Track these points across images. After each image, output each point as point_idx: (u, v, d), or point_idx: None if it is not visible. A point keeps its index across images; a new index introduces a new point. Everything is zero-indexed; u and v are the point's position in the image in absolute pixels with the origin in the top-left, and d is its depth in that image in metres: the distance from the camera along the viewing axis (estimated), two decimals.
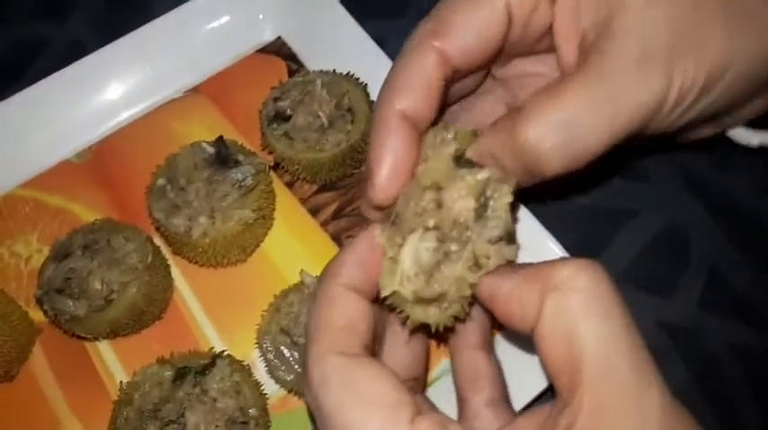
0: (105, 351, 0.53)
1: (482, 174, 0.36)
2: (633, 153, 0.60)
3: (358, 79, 0.55)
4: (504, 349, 0.48)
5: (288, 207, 0.57)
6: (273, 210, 0.55)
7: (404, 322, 0.37)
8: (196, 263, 0.54)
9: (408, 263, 0.35)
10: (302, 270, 0.51)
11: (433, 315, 0.36)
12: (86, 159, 0.59)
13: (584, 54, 0.37)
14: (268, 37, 0.63)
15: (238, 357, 0.50)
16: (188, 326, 0.53)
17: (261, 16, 0.62)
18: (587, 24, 0.37)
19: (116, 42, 0.60)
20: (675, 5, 0.36)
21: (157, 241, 0.54)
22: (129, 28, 0.60)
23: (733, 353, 0.54)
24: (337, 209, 0.57)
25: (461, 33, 0.38)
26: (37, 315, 0.53)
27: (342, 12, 0.59)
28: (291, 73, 0.61)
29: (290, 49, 0.62)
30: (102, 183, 0.58)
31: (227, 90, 0.61)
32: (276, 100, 0.55)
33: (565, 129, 0.34)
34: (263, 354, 0.49)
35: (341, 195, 0.57)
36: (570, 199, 0.59)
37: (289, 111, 0.54)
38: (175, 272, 0.55)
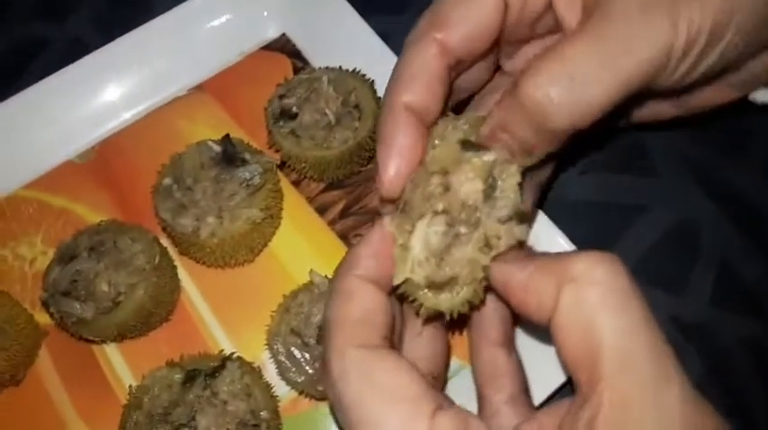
0: (112, 354, 0.52)
1: (488, 156, 0.37)
2: (638, 144, 0.60)
3: (364, 76, 0.55)
4: (524, 342, 0.47)
5: (295, 206, 0.56)
6: (281, 209, 0.55)
7: (417, 311, 0.37)
8: (203, 263, 0.53)
9: (418, 248, 0.36)
10: (311, 269, 0.50)
11: (445, 301, 0.36)
12: (89, 159, 0.58)
13: (587, 14, 0.37)
14: (272, 34, 0.62)
15: (248, 359, 0.49)
16: (196, 328, 0.53)
17: (265, 13, 0.62)
18: None
19: (118, 41, 0.59)
20: None
21: (164, 242, 0.53)
22: (131, 26, 0.60)
23: (745, 348, 0.54)
24: (344, 207, 0.56)
25: (460, 22, 0.38)
26: (42, 318, 0.52)
27: (347, 8, 0.58)
28: (296, 70, 0.60)
29: (294, 46, 0.62)
30: (106, 183, 0.57)
31: (232, 88, 0.60)
32: (282, 97, 0.54)
33: (569, 81, 0.34)
34: (274, 356, 0.48)
35: (348, 193, 0.57)
36: (579, 195, 0.59)
37: (295, 109, 0.53)
38: (182, 272, 0.54)
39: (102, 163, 0.58)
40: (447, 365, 0.44)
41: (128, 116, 0.60)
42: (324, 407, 0.50)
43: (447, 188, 0.36)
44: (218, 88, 0.61)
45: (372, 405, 0.31)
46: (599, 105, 0.34)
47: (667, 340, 0.30)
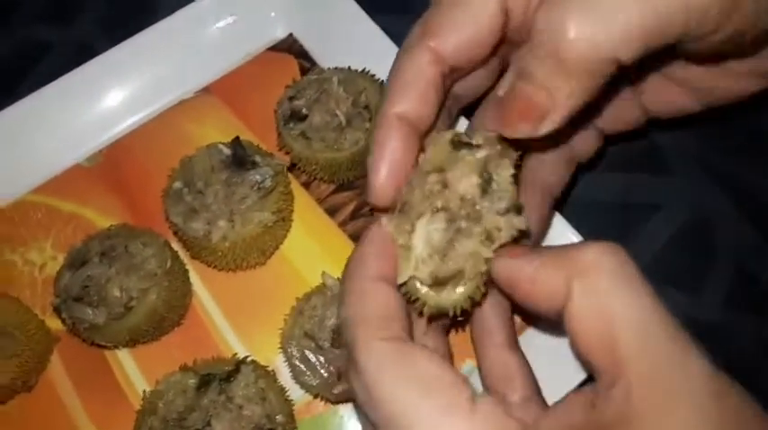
0: (125, 359, 0.52)
1: (481, 153, 0.37)
2: (651, 143, 0.59)
3: (374, 76, 0.55)
4: (532, 347, 0.47)
5: (305, 208, 0.56)
6: (292, 211, 0.54)
7: (420, 311, 0.37)
8: (215, 267, 0.53)
9: (421, 246, 0.36)
10: (324, 272, 0.50)
11: (448, 298, 0.36)
12: (97, 163, 0.58)
13: None
14: (279, 34, 0.62)
15: (261, 363, 0.49)
16: (208, 332, 0.52)
17: (272, 14, 0.61)
18: None
19: (124, 43, 0.59)
20: None
21: (174, 246, 0.53)
22: (137, 29, 0.59)
23: (761, 348, 0.54)
24: (355, 208, 0.56)
25: (454, 30, 0.37)
26: (54, 323, 0.52)
27: (354, 7, 0.58)
28: (304, 71, 0.60)
29: (301, 46, 0.61)
30: (115, 187, 0.57)
31: (239, 90, 0.60)
32: (291, 99, 0.54)
33: (591, 9, 0.31)
34: (288, 360, 0.48)
35: (358, 194, 0.56)
36: (592, 195, 0.59)
37: (305, 110, 0.53)
38: (194, 276, 0.54)
39: (111, 166, 0.58)
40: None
41: (135, 119, 0.59)
42: (338, 410, 0.50)
43: (445, 185, 0.36)
44: (225, 90, 0.60)
45: (410, 395, 0.31)
46: (625, 37, 0.31)
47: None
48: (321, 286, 0.50)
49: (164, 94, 0.60)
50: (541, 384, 0.42)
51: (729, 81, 0.44)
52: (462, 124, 0.50)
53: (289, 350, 0.48)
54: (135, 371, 0.51)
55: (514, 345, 0.43)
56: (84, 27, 0.67)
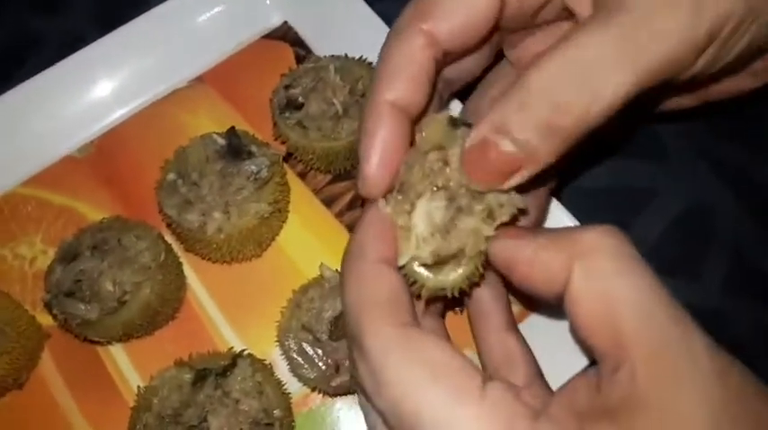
0: (118, 354, 0.51)
1: None
2: (652, 123, 0.59)
3: (371, 63, 0.53)
4: (532, 334, 0.46)
5: (301, 199, 0.55)
6: (288, 202, 0.53)
7: (418, 294, 0.36)
8: (210, 259, 0.52)
9: (422, 225, 0.35)
10: (322, 263, 0.49)
11: (447, 280, 0.35)
12: (89, 154, 0.57)
13: (599, 4, 0.34)
14: (274, 22, 0.60)
15: (258, 356, 0.48)
16: (203, 326, 0.51)
17: (267, 1, 0.60)
18: None
19: (116, 32, 0.57)
20: None
21: (168, 238, 0.52)
22: (128, 17, 0.58)
23: (760, 335, 0.53)
24: (352, 199, 0.55)
25: (450, 13, 0.36)
26: (44, 319, 0.51)
27: None
28: (299, 59, 0.59)
29: (296, 34, 0.60)
30: (107, 178, 0.56)
31: (233, 78, 0.59)
32: (287, 87, 0.52)
33: (581, 69, 0.31)
34: (285, 353, 0.47)
35: (355, 184, 0.55)
36: (589, 180, 0.58)
37: (301, 99, 0.52)
38: (188, 269, 0.53)
39: (103, 158, 0.57)
40: None
41: (127, 109, 0.58)
42: (336, 403, 0.49)
43: (446, 163, 0.35)
44: (219, 79, 0.59)
45: (419, 380, 0.30)
46: (615, 99, 0.31)
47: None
48: (318, 278, 0.49)
49: (156, 84, 0.59)
50: (544, 372, 0.42)
51: (729, 83, 0.44)
52: (456, 107, 0.49)
53: (286, 343, 0.47)
54: (129, 367, 0.50)
55: (513, 328, 0.42)
56: (75, 17, 0.66)
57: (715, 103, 0.48)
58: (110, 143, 0.57)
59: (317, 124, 0.51)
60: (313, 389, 0.48)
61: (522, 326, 0.44)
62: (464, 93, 0.47)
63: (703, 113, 0.50)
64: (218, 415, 0.44)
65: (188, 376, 0.45)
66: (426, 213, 0.35)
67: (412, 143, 0.37)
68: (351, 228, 0.54)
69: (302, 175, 0.56)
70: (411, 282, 0.36)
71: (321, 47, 0.58)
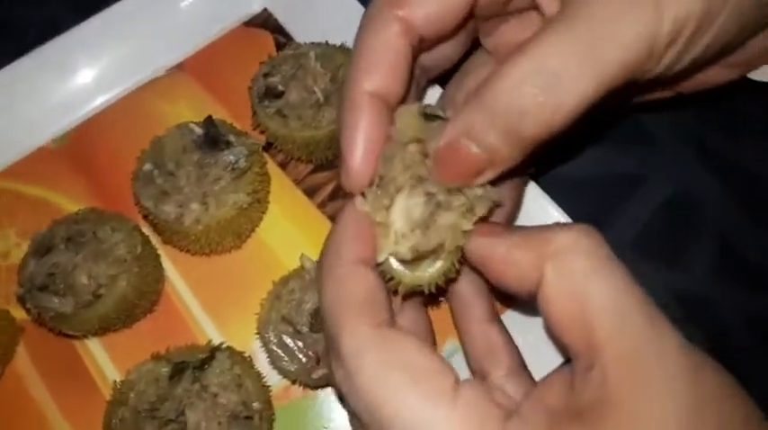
0: (95, 348, 0.50)
1: None
2: (635, 112, 0.58)
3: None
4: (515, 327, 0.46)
5: (282, 189, 0.54)
6: (268, 192, 0.52)
7: (395, 290, 0.36)
8: (188, 251, 0.51)
9: (401, 221, 0.35)
10: (302, 254, 0.48)
11: (423, 276, 0.36)
12: (65, 145, 0.56)
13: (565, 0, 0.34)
14: (254, 9, 0.59)
15: (238, 348, 0.47)
16: (182, 319, 0.50)
17: None
18: None
19: (92, 19, 0.56)
20: None
21: (145, 230, 0.51)
22: (106, 3, 0.57)
23: (747, 322, 0.53)
24: (334, 189, 0.54)
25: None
26: (18, 313, 0.50)
27: None
28: (279, 46, 0.58)
29: (277, 21, 0.59)
30: (83, 170, 0.55)
31: (213, 67, 0.58)
32: (266, 75, 0.51)
33: (543, 78, 0.31)
34: (265, 345, 0.46)
35: (337, 174, 0.54)
36: (576, 168, 0.57)
37: (281, 87, 0.51)
38: (166, 261, 0.52)
39: (79, 148, 0.55)
40: (434, 345, 0.44)
41: (104, 99, 0.57)
42: (318, 395, 0.48)
43: (425, 155, 0.35)
44: (198, 67, 0.58)
45: (393, 382, 0.30)
46: (577, 106, 0.31)
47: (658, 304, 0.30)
48: (299, 269, 0.48)
49: (134, 72, 0.58)
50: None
51: (706, 74, 0.43)
52: (436, 93, 0.48)
53: (266, 335, 0.46)
54: (106, 361, 0.49)
55: (495, 319, 0.42)
56: (51, 3, 0.64)
57: (702, 92, 0.47)
58: (86, 133, 0.56)
59: (298, 113, 0.50)
60: (293, 382, 0.47)
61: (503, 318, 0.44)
62: (445, 78, 0.46)
63: (690, 101, 0.50)
64: (196, 409, 0.43)
65: (165, 370, 0.45)
66: (405, 209, 0.35)
67: None
68: (333, 218, 0.53)
69: (283, 165, 0.55)
70: (388, 278, 0.36)
71: (302, 34, 0.57)
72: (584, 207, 0.52)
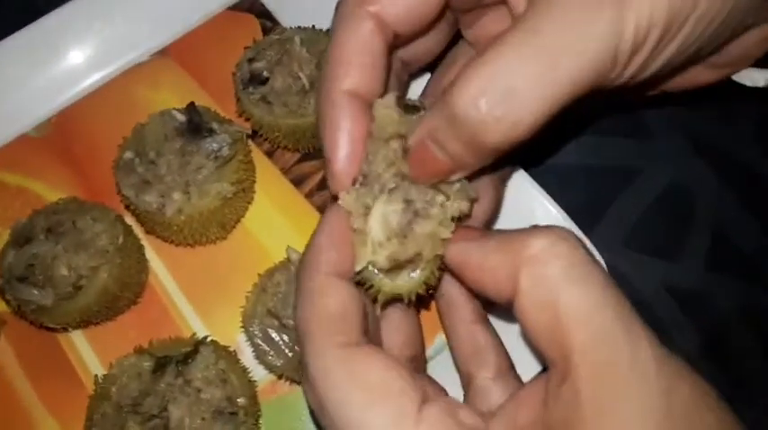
0: (78, 341, 0.49)
1: None
2: (631, 108, 0.57)
3: None
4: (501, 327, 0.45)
5: (269, 178, 0.53)
6: (254, 182, 0.51)
7: (374, 298, 0.36)
8: (172, 242, 0.50)
9: (377, 229, 0.34)
10: (288, 246, 0.47)
11: (403, 284, 0.35)
12: (46, 133, 0.54)
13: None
14: None
15: (223, 342, 0.46)
16: (166, 311, 0.49)
17: None
18: None
19: (74, 2, 0.55)
20: None
21: (128, 220, 0.50)
22: None
23: (742, 314, 0.53)
24: (322, 178, 0.53)
25: None
26: (0, 304, 0.48)
27: None
28: (266, 31, 0.56)
29: (262, 5, 0.57)
30: (65, 158, 0.54)
31: (197, 52, 0.56)
32: (251, 61, 0.50)
33: (500, 93, 0.30)
34: (250, 339, 0.45)
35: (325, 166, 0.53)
36: (570, 158, 0.56)
37: (265, 73, 0.49)
38: (150, 252, 0.51)
39: (61, 136, 0.54)
40: (423, 343, 0.43)
41: (86, 85, 0.55)
42: None
43: (406, 150, 0.35)
44: (182, 52, 0.56)
45: (357, 404, 0.30)
46: (536, 118, 0.30)
47: (632, 306, 0.30)
48: (285, 261, 0.47)
49: (117, 57, 0.56)
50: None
51: (689, 75, 0.42)
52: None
53: (250, 329, 0.45)
54: (90, 354, 0.49)
55: (483, 320, 0.42)
56: None
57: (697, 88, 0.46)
58: (68, 121, 0.54)
59: (283, 99, 0.49)
60: (279, 377, 0.47)
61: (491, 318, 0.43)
62: (435, 66, 0.45)
63: (685, 95, 0.49)
64: (179, 404, 0.42)
65: (148, 364, 0.44)
66: (382, 216, 0.34)
67: None
68: (321, 209, 0.52)
69: (269, 154, 0.53)
70: (367, 286, 0.35)
71: (289, 18, 0.55)
72: (578, 199, 0.51)
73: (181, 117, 0.47)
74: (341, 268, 0.34)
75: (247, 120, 0.51)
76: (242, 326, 0.46)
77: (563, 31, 0.30)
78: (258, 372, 0.46)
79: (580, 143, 0.57)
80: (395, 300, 0.36)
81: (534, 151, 0.45)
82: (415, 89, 0.47)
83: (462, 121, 0.30)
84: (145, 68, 0.56)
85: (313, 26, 0.51)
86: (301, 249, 0.46)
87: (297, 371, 0.44)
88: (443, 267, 0.35)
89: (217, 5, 0.57)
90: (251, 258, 0.50)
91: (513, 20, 0.38)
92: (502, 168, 0.43)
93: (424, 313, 0.46)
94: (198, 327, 0.49)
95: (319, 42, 0.50)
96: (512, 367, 0.40)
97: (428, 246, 0.34)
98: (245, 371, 0.45)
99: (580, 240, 0.31)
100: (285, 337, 0.45)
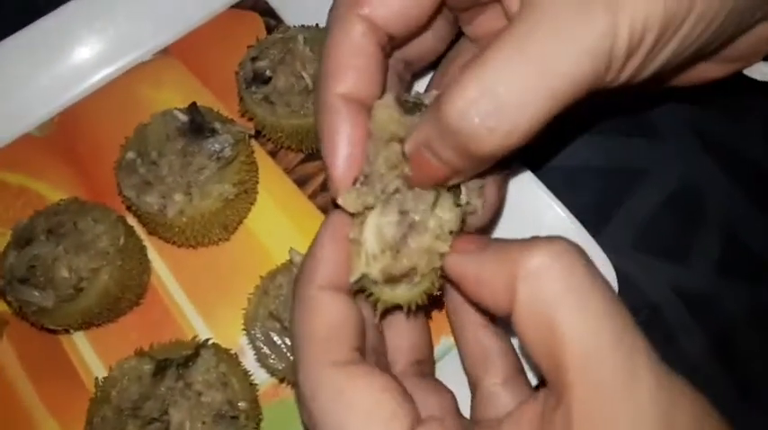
0: (80, 342, 0.49)
1: None
2: (638, 108, 0.56)
3: None
4: None
5: (272, 179, 0.52)
6: (256, 182, 0.51)
7: (374, 305, 0.35)
8: (174, 243, 0.49)
9: (371, 241, 0.34)
10: (291, 248, 0.46)
11: (403, 294, 0.34)
12: (49, 132, 0.54)
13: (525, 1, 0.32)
14: None
15: (224, 345, 0.46)
16: (169, 312, 0.49)
17: None
18: None
19: (75, 1, 0.54)
20: None
21: (131, 220, 0.49)
22: None
23: (750, 316, 0.52)
24: (326, 179, 0.52)
25: None
26: (2, 305, 0.48)
27: None
28: (270, 29, 0.56)
29: (266, 3, 0.57)
30: (68, 158, 0.53)
31: (201, 51, 0.56)
32: (254, 60, 0.49)
33: (491, 99, 0.29)
34: (252, 342, 0.45)
35: None
36: (577, 158, 0.56)
37: (268, 72, 0.49)
38: (152, 253, 0.50)
39: (63, 136, 0.54)
40: (431, 347, 0.42)
41: (89, 84, 0.55)
42: None
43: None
44: (185, 51, 0.56)
45: (341, 426, 0.30)
46: (531, 126, 0.29)
47: (635, 324, 0.29)
48: (288, 263, 0.46)
49: (120, 56, 0.56)
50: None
51: (698, 70, 0.41)
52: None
53: (252, 332, 0.45)
54: (92, 356, 0.48)
55: (491, 324, 0.41)
56: None
57: (703, 84, 0.45)
58: (70, 120, 0.54)
59: (286, 99, 0.48)
60: (281, 381, 0.46)
61: None
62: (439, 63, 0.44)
63: (693, 93, 0.48)
64: (180, 407, 0.42)
65: (148, 367, 0.43)
66: (377, 228, 0.33)
67: None
68: (324, 209, 0.51)
69: (273, 154, 0.53)
70: (367, 293, 0.34)
71: (293, 17, 0.55)
72: (585, 201, 0.51)
73: (183, 117, 0.47)
74: (337, 280, 0.33)
75: (250, 119, 0.50)
76: (243, 329, 0.45)
77: (555, 37, 0.29)
78: (260, 376, 0.46)
79: (587, 144, 0.56)
80: (396, 308, 0.35)
81: (541, 152, 0.44)
82: (420, 88, 0.46)
83: (455, 132, 0.30)
84: (148, 67, 0.55)
85: (317, 25, 0.51)
86: (304, 251, 0.45)
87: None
88: (444, 276, 0.34)
89: (220, 4, 0.57)
90: (253, 259, 0.50)
91: (508, 19, 0.37)
92: (504, 168, 0.42)
93: (434, 313, 0.46)
94: (200, 329, 0.48)
95: (323, 41, 0.49)
96: (521, 372, 0.39)
97: (424, 261, 0.33)
98: (246, 374, 0.45)
99: (582, 251, 0.30)
100: (287, 340, 0.44)
